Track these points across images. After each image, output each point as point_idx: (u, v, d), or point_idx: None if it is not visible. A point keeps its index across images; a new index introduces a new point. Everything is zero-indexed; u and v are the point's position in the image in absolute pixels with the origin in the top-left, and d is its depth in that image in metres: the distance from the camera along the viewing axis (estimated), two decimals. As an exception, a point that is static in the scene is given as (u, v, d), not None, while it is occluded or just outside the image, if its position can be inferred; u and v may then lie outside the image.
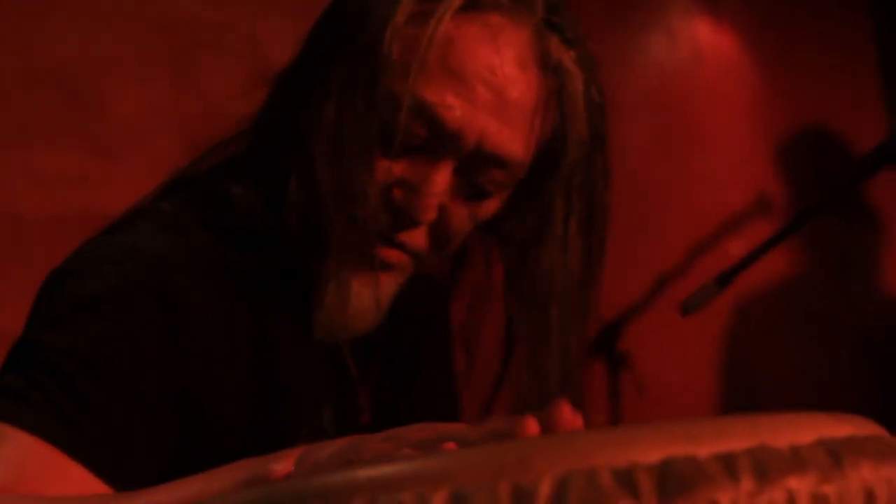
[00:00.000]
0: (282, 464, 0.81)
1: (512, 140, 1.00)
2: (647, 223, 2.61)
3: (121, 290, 0.97)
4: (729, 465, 0.50)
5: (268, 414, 1.03)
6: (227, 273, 1.03)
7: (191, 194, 1.08)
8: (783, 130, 2.98)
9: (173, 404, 0.96)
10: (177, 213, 1.05)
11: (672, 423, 0.52)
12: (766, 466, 0.51)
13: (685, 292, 2.04)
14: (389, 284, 1.05)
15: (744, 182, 2.86)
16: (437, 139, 0.98)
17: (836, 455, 0.52)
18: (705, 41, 2.89)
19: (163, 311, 0.97)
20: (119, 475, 0.91)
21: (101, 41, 1.91)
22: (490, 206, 1.05)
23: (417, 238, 1.02)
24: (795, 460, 0.52)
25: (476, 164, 1.00)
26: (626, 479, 0.49)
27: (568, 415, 0.71)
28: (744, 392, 2.78)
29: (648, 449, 0.50)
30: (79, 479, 0.89)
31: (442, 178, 0.99)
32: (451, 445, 0.70)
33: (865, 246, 3.02)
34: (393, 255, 1.03)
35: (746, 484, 0.50)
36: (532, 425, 0.69)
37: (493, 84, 0.97)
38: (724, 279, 1.98)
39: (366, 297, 1.03)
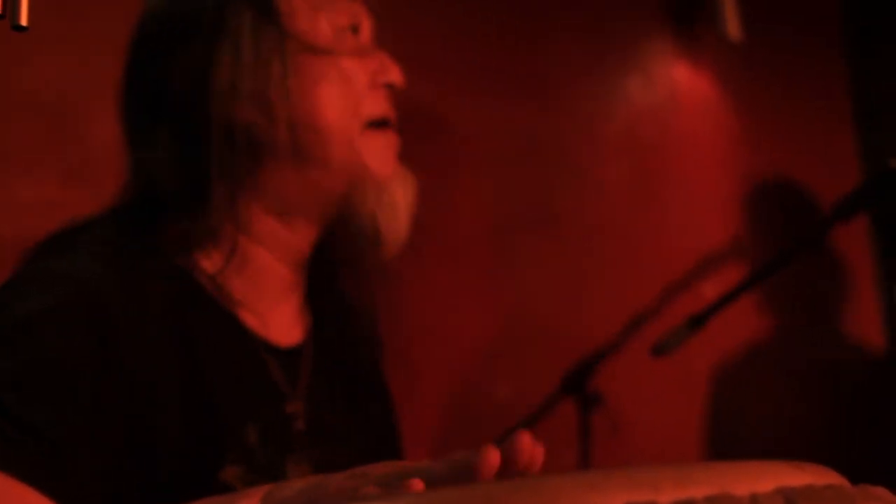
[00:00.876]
0: (247, 502, 0.81)
1: None
2: (621, 263, 2.62)
3: (54, 311, 0.99)
4: (689, 511, 0.51)
5: (197, 431, 1.04)
6: (157, 293, 1.06)
7: (122, 220, 1.11)
8: (758, 174, 3.01)
9: (111, 422, 0.98)
10: (109, 239, 1.08)
11: (635, 470, 0.52)
12: (726, 514, 0.51)
13: (659, 333, 2.05)
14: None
15: (718, 224, 2.88)
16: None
17: (793, 503, 0.53)
18: (683, 84, 2.92)
19: (97, 330, 0.99)
20: (72, 494, 0.91)
21: (80, 68, 1.91)
22: None
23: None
24: (754, 508, 0.52)
25: None
26: (588, 523, 0.50)
27: (528, 445, 0.73)
28: (719, 433, 2.79)
29: (611, 494, 0.51)
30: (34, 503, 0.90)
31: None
32: (416, 482, 0.71)
33: (833, 288, 3.05)
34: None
35: (706, 530, 0.51)
36: (494, 456, 0.70)
37: None
38: (696, 321, 1.99)
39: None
